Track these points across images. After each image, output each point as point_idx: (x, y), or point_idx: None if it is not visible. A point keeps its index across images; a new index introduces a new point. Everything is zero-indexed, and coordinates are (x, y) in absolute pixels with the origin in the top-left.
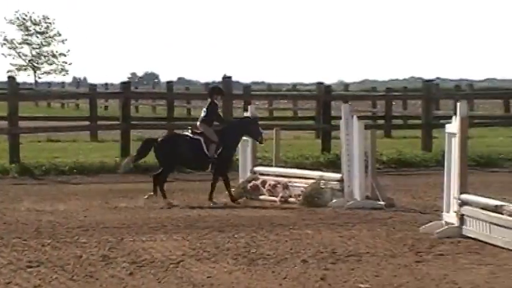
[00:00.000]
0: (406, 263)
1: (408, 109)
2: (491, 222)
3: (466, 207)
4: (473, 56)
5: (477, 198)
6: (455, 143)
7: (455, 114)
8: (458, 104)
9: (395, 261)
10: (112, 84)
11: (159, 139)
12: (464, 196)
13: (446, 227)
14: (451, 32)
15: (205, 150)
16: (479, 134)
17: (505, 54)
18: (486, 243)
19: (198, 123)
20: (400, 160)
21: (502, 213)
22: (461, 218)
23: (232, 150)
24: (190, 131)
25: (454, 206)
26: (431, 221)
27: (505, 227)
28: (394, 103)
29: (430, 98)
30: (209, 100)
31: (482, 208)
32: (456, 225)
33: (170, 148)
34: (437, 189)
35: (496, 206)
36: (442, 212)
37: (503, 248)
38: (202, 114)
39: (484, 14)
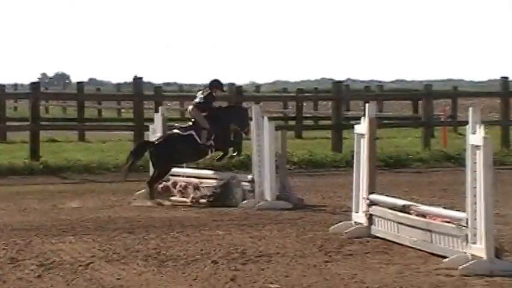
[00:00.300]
0: (315, 263)
1: (319, 110)
2: (399, 222)
3: (374, 207)
4: (383, 58)
5: (385, 198)
6: (364, 143)
7: (364, 115)
8: (367, 105)
9: (305, 261)
10: (22, 85)
11: (155, 142)
12: (373, 196)
13: (355, 227)
14: (360, 34)
15: (199, 141)
16: (388, 135)
17: (414, 55)
18: (394, 242)
19: (190, 107)
20: (310, 161)
21: (409, 213)
22: (370, 218)
23: (227, 132)
24: (177, 129)
25: (363, 206)
26: (340, 221)
27: (412, 226)
28: (305, 104)
29: (340, 98)
30: (208, 90)
31: (390, 208)
32: (365, 225)
33: (168, 150)
34: (347, 190)
35: (404, 205)
36: (351, 212)
37: (410, 247)
38: (197, 99)
39: (393, 15)
